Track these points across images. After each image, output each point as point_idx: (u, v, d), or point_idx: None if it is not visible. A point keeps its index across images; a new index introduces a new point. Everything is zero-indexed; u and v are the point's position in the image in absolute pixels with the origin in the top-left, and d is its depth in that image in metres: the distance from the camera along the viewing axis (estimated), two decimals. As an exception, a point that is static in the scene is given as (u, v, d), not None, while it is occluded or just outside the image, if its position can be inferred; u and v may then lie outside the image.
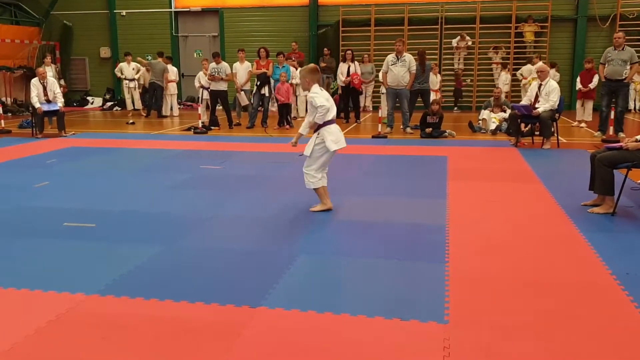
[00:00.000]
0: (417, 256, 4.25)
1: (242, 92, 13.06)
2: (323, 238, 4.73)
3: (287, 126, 12.39)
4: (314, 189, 5.44)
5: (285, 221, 5.21)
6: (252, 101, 12.74)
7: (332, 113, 5.31)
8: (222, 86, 12.65)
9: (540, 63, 12.31)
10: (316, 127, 5.34)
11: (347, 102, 13.41)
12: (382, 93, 12.90)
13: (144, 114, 15.12)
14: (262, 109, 12.50)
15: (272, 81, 12.47)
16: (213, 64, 12.56)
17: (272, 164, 8.13)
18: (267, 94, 12.37)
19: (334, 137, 5.29)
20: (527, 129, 9.84)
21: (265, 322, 3.16)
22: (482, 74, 16.40)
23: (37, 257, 4.28)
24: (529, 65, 14.57)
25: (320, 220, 5.20)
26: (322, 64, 14.32)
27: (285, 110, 12.47)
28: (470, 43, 16.16)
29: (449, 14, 16.13)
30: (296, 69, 13.29)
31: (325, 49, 15.46)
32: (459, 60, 16.47)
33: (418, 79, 11.38)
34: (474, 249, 4.40)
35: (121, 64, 15.87)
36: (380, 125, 11.02)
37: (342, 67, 13.26)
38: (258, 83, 12.37)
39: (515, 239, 4.64)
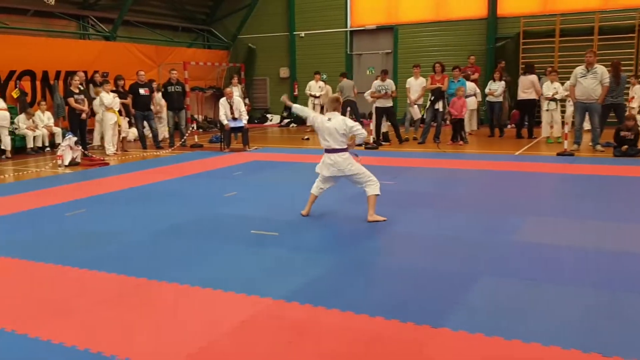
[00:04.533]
0: (617, 286, 3.81)
1: (415, 106, 13.00)
2: (507, 260, 4.45)
3: (461, 142, 12.04)
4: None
5: (463, 240, 5.00)
6: (424, 116, 12.61)
7: None
8: (389, 102, 12.68)
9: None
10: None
11: (533, 116, 12.75)
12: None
13: None
14: (435, 124, 12.30)
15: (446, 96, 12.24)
16: (377, 82, 12.60)
17: (446, 181, 7.92)
18: (440, 109, 12.16)
19: None
20: None
21: (448, 344, 3.03)
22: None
23: (230, 260, 4.59)
24: None
25: (502, 242, 4.92)
26: (504, 78, 13.70)
27: (458, 126, 12.14)
28: (674, 52, 14.42)
29: (648, 21, 14.58)
30: (468, 80, 12.97)
31: (502, 61, 14.85)
32: (659, 71, 14.77)
33: (611, 93, 10.41)
34: (689, 282, 3.84)
35: (311, 82, 16.65)
36: (566, 141, 10.25)
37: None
38: (432, 98, 12.22)
39: None
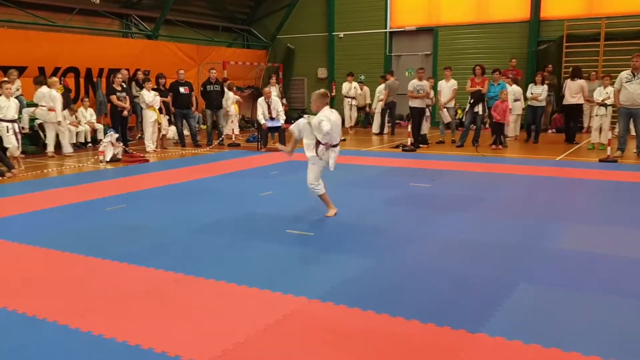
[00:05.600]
0: (663, 297, 3.69)
1: (445, 110, 12.84)
2: (546, 267, 4.35)
3: (500, 146, 11.84)
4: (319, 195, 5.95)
5: (501, 246, 4.92)
6: (462, 119, 12.46)
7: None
8: (424, 103, 12.56)
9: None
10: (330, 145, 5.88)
11: (577, 121, 12.51)
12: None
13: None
14: (475, 128, 12.14)
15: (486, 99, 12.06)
16: (415, 81, 12.49)
17: (485, 185, 7.81)
18: (480, 112, 11.99)
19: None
20: None
21: (485, 350, 2.99)
22: None
23: (265, 259, 4.62)
24: None
25: (542, 249, 4.82)
26: (547, 82, 13.44)
27: (499, 129, 11.94)
28: None
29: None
30: (510, 85, 12.75)
31: (550, 65, 14.57)
32: None
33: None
34: None
35: (344, 83, 16.70)
36: (609, 148, 9.99)
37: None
38: (471, 101, 12.06)
39: None
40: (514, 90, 12.87)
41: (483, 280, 4.06)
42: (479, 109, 11.97)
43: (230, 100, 13.94)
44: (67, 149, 11.62)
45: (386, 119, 15.57)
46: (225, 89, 13.90)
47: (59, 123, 11.23)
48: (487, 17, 16.54)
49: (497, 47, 16.31)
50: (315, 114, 5.89)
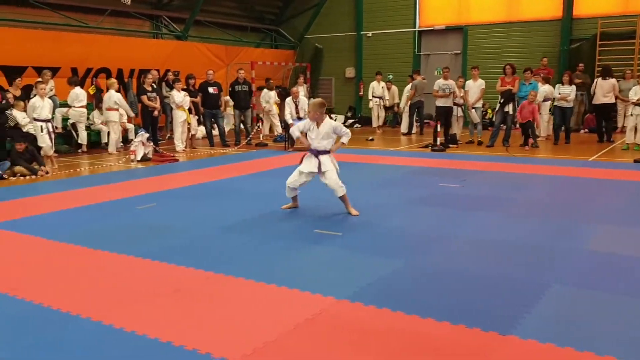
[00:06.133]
0: (702, 302, 3.59)
1: (473, 110, 12.67)
2: (579, 269, 4.27)
3: (531, 144, 11.64)
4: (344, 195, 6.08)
5: (533, 247, 4.84)
6: (492, 118, 12.31)
7: None
8: (449, 102, 12.45)
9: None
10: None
11: (611, 120, 12.34)
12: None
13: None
14: (505, 127, 11.98)
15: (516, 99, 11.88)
16: (441, 81, 12.37)
17: (515, 186, 7.70)
18: (510, 112, 11.82)
19: None
20: None
21: (517, 352, 2.94)
22: None
23: (293, 258, 4.64)
24: None
25: (574, 250, 4.73)
26: (577, 80, 13.19)
27: (527, 129, 11.74)
28: None
29: None
30: (542, 84, 12.53)
31: (581, 64, 14.30)
32: None
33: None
34: None
35: (372, 82, 16.67)
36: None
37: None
38: (502, 100, 11.90)
39: None
40: (545, 89, 12.65)
41: (514, 281, 4.00)
42: (509, 108, 11.81)
43: (272, 99, 14.26)
44: (113, 148, 11.96)
45: (414, 118, 15.47)
46: (266, 89, 14.23)
47: (128, 120, 12.39)
48: (518, 15, 16.32)
49: (528, 46, 16.07)
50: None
